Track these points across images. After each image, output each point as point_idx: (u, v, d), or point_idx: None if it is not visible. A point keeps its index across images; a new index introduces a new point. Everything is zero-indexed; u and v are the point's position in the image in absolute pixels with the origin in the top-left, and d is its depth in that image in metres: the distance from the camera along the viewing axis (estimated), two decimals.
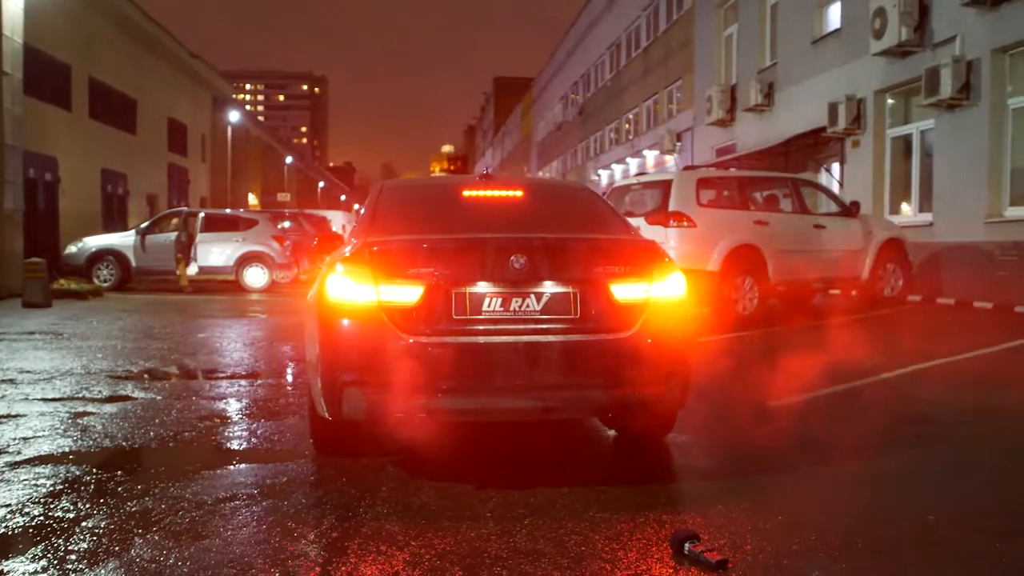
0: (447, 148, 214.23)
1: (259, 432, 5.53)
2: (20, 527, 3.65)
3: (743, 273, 11.10)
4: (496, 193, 5.14)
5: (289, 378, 7.79)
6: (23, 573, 3.16)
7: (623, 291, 4.33)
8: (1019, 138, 12.80)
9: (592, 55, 44.31)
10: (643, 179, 12.63)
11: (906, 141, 15.87)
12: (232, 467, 4.68)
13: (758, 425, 5.80)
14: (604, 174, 39.94)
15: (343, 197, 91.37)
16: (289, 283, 21.19)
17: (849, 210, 12.50)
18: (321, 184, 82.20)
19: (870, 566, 3.27)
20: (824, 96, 17.20)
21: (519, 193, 5.25)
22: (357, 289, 4.20)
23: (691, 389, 4.63)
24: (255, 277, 19.77)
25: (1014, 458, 4.94)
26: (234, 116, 40.87)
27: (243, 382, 7.42)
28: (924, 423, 5.78)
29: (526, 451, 5.16)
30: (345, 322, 4.22)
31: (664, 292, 4.42)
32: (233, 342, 10.23)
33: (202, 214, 20.68)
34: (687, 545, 3.33)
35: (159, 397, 6.64)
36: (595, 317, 4.29)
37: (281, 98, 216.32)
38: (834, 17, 17.90)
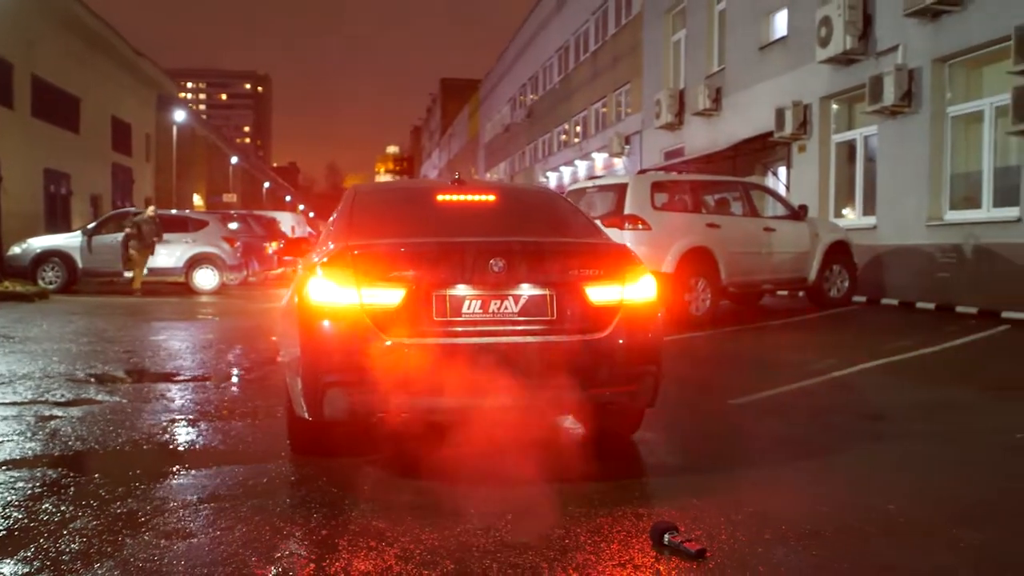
0: (392, 149, 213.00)
1: (231, 433, 5.56)
2: (4, 530, 3.66)
3: (696, 275, 11.34)
4: (470, 197, 5.25)
5: (254, 380, 7.80)
6: (17, 575, 3.19)
7: (597, 293, 4.48)
8: (958, 144, 13.28)
9: (541, 57, 44.56)
10: (598, 182, 12.82)
11: (850, 146, 16.33)
12: (210, 468, 4.71)
13: (719, 422, 6.02)
14: (553, 176, 40.20)
15: (288, 198, 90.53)
16: (239, 285, 21.04)
17: (797, 213, 12.86)
18: (266, 184, 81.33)
19: (839, 552, 3.46)
20: (771, 101, 17.60)
21: (492, 197, 5.37)
22: (339, 292, 4.27)
23: (661, 388, 4.79)
24: (205, 279, 19.54)
25: (965, 451, 5.19)
26: (179, 115, 40.31)
27: (208, 384, 7.42)
28: (878, 419, 6.03)
29: (497, 450, 5.26)
30: (328, 324, 4.30)
31: (636, 294, 4.57)
32: (191, 344, 10.17)
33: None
34: (667, 536, 3.48)
35: (124, 400, 6.62)
36: (571, 318, 4.43)
37: (224, 97, 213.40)
38: (780, 25, 18.32)
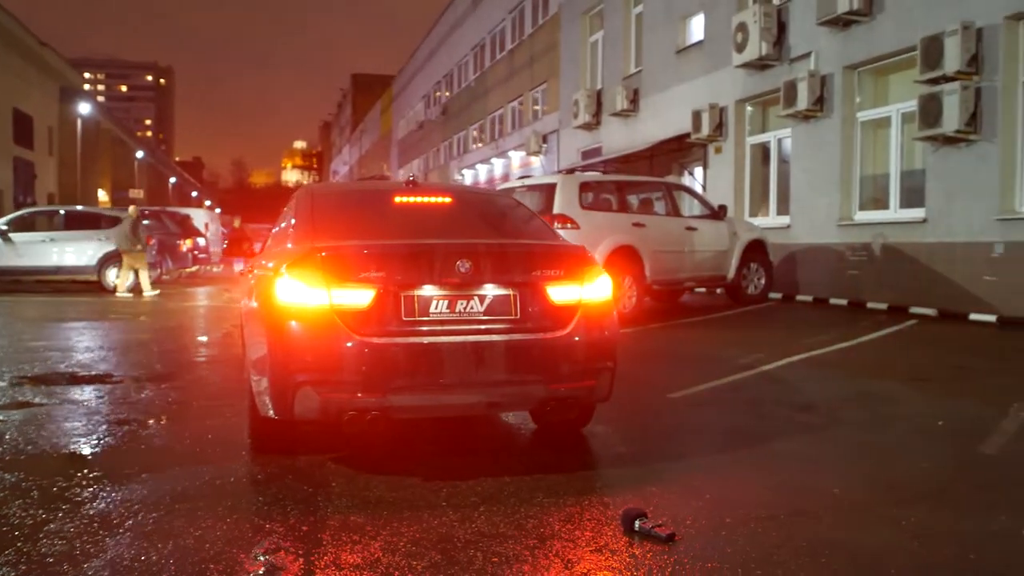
0: (299, 144, 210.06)
1: (185, 434, 5.55)
2: None
3: (623, 273, 11.63)
4: (429, 200, 5.37)
5: (195, 380, 7.74)
6: None
7: (558, 293, 4.65)
8: (867, 148, 13.95)
9: (456, 55, 44.63)
10: (527, 182, 13.02)
11: (764, 148, 16.95)
12: (173, 469, 4.70)
13: (662, 416, 6.27)
14: (468, 174, 40.36)
15: (195, 194, 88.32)
16: (153, 283, 20.53)
17: (717, 213, 13.30)
18: (173, 180, 79.21)
19: (796, 532, 3.71)
20: (688, 104, 18.10)
21: (449, 200, 5.50)
22: (310, 293, 4.34)
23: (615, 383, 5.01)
24: (120, 278, 19.01)
25: (892, 438, 5.55)
26: (84, 108, 38.96)
27: (147, 384, 7.32)
28: (810, 410, 6.37)
29: (456, 446, 5.40)
30: (298, 324, 4.35)
31: (594, 294, 4.77)
32: (121, 344, 9.98)
33: (62, 211, 19.80)
34: (637, 522, 3.67)
35: (64, 402, 6.50)
36: (533, 317, 4.59)
37: (124, 89, 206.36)
38: (697, 29, 18.85)
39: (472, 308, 4.50)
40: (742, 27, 15.63)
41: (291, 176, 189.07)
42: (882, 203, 13.55)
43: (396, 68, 68.39)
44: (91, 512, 3.92)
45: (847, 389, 7.20)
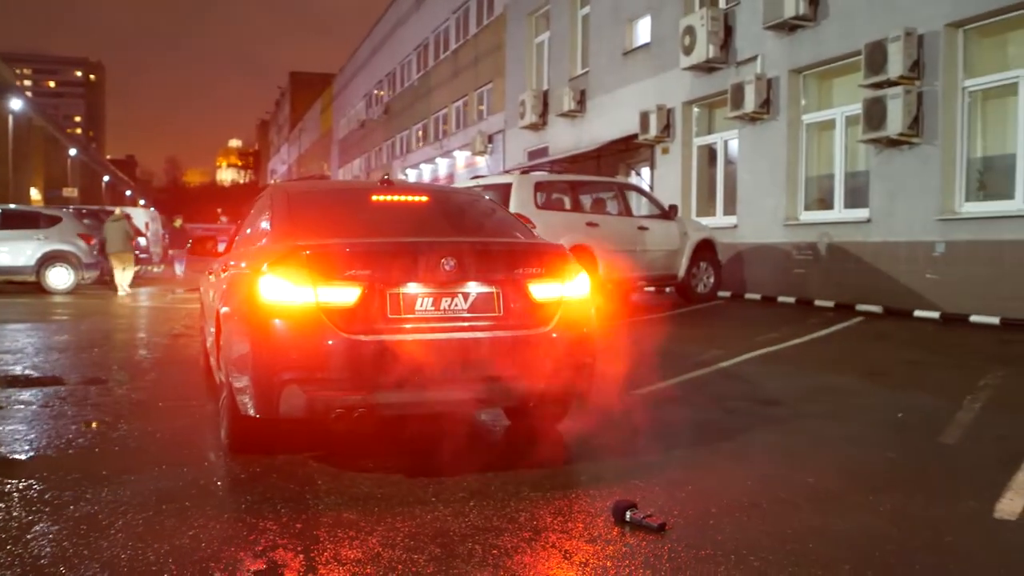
0: (235, 143, 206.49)
1: (157, 435, 5.49)
2: None
3: None
4: (405, 198, 5.40)
5: (155, 380, 7.63)
6: None
7: (540, 291, 4.72)
8: (812, 149, 14.30)
9: (399, 54, 44.43)
10: (482, 181, 13.09)
11: (711, 149, 17.25)
12: (153, 470, 4.66)
13: (631, 411, 6.35)
14: (412, 173, 40.21)
15: (129, 192, 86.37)
16: (93, 284, 20.14)
17: (668, 213, 13.52)
18: (106, 178, 77.37)
19: (779, 519, 3.85)
20: (635, 105, 18.33)
21: (425, 198, 5.54)
22: (295, 291, 4.34)
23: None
24: (59, 278, 18.59)
25: (856, 430, 5.73)
26: (16, 104, 37.85)
27: (110, 386, 7.21)
28: (775, 404, 6.55)
29: (433, 443, 5.40)
30: (283, 323, 4.35)
31: (574, 291, 4.85)
32: (73, 346, 9.78)
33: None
34: (628, 513, 3.77)
35: (26, 404, 6.37)
36: (517, 314, 4.65)
37: (52, 84, 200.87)
38: (643, 32, 19.10)
39: (456, 305, 4.55)
40: (689, 30, 15.89)
41: (226, 175, 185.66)
42: (827, 203, 13.91)
43: (336, 66, 67.85)
44: (76, 514, 3.86)
45: (807, 384, 7.40)
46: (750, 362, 8.40)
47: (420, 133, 40.97)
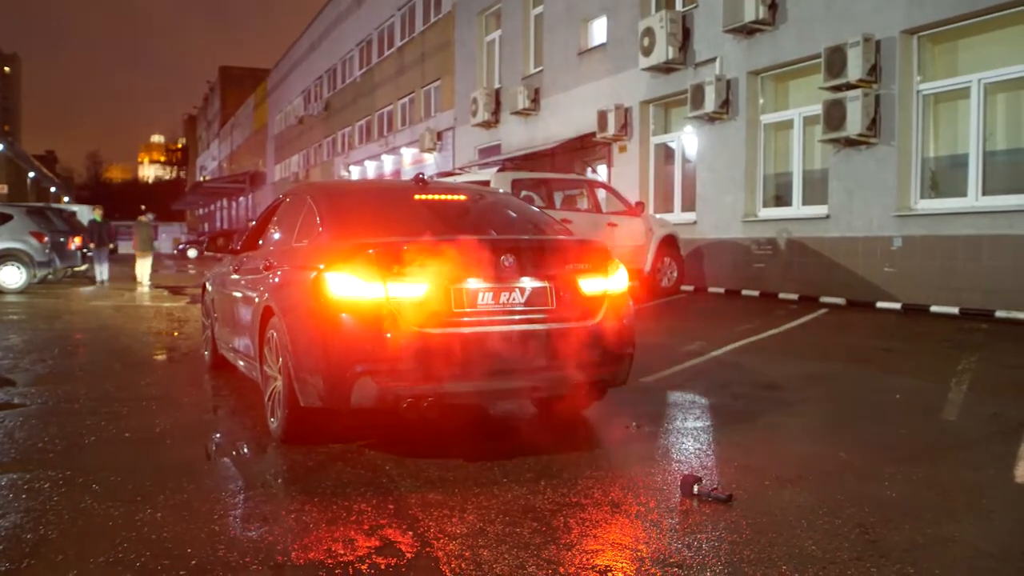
0: (157, 138, 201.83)
1: (202, 429, 5.67)
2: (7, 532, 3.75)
3: None
4: (444, 197, 5.68)
5: (167, 375, 7.75)
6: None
7: (588, 285, 5.06)
8: (769, 149, 14.89)
9: (339, 50, 44.17)
10: (460, 178, 13.33)
11: (668, 148, 17.77)
12: (221, 461, 4.88)
13: (647, 397, 6.72)
14: (356, 170, 40.08)
15: (54, 189, 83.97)
16: (40, 283, 19.83)
17: (634, 210, 13.96)
18: (32, 175, 75.14)
19: (829, 489, 4.24)
20: (591, 104, 18.74)
21: (463, 198, 5.81)
22: (366, 287, 4.59)
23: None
24: (11, 276, 18.27)
25: (862, 411, 6.17)
26: None
27: (124, 382, 7.32)
28: (777, 389, 6.99)
29: (473, 430, 5.69)
30: (355, 317, 4.60)
31: (616, 285, 5.21)
32: (58, 343, 9.79)
33: None
34: (695, 487, 4.12)
35: (37, 403, 6.48)
36: (568, 307, 4.98)
37: None
38: (599, 33, 19.51)
39: (514, 299, 4.85)
40: (649, 32, 16.35)
41: (149, 171, 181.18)
42: (784, 200, 14.51)
43: (268, 62, 66.99)
44: (171, 503, 4.04)
45: (798, 371, 7.87)
46: (738, 351, 8.84)
47: (364, 129, 40.84)
